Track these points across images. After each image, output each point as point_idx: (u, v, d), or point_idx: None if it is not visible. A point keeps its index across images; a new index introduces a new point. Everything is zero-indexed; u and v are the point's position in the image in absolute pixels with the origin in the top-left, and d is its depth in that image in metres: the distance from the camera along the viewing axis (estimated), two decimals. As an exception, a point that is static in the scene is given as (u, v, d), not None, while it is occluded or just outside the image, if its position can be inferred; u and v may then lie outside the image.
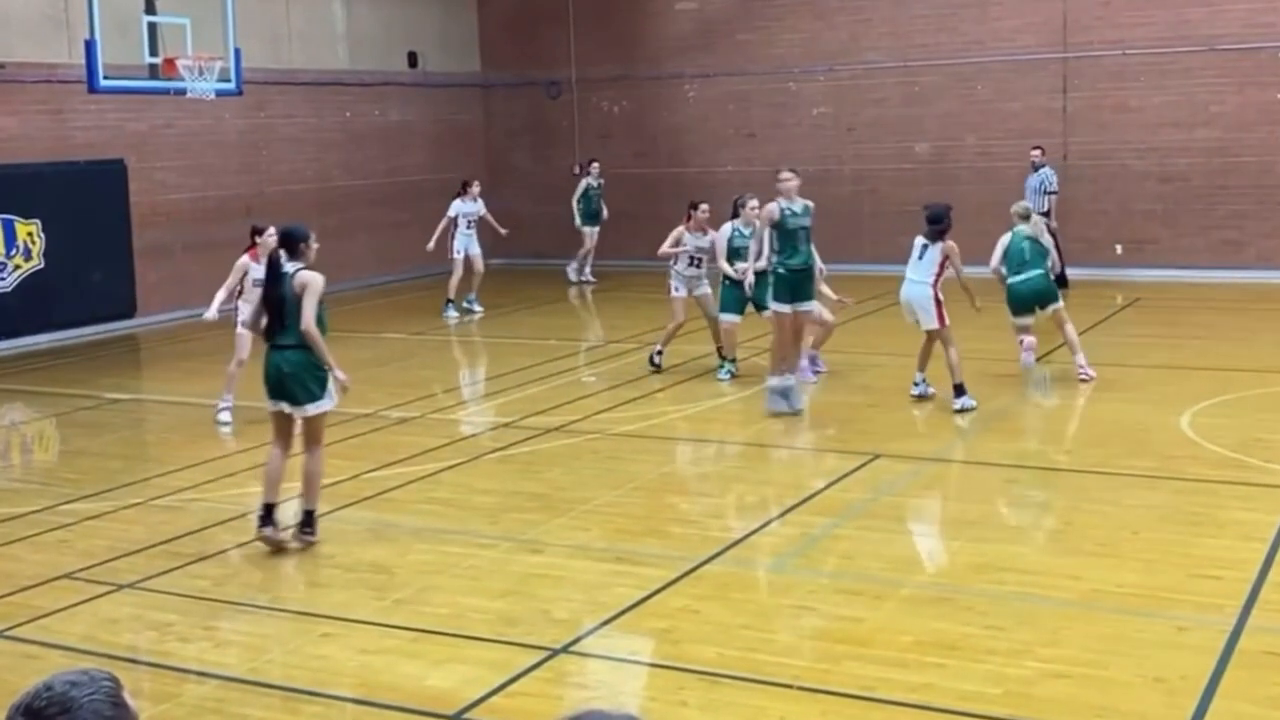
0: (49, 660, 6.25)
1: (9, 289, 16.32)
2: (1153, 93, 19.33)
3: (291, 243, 7.85)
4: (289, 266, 7.78)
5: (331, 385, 7.86)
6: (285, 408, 7.93)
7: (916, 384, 11.72)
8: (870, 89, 21.15)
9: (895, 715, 5.53)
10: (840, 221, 20.74)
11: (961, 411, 11.09)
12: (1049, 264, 12.49)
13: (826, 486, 9.09)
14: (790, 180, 11.21)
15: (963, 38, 20.41)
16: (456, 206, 17.88)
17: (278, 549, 7.95)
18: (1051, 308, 12.23)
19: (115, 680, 2.16)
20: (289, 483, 8.20)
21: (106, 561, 7.85)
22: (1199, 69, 18.98)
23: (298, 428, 8.05)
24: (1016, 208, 12.82)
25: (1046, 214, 18.41)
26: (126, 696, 2.16)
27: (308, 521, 7.98)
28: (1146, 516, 8.18)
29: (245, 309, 11.45)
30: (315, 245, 7.95)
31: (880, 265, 19.99)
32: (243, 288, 11.43)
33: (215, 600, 7.22)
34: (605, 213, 20.89)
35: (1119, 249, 19.68)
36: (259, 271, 11.25)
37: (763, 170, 20.90)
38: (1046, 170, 18.58)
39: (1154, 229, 19.50)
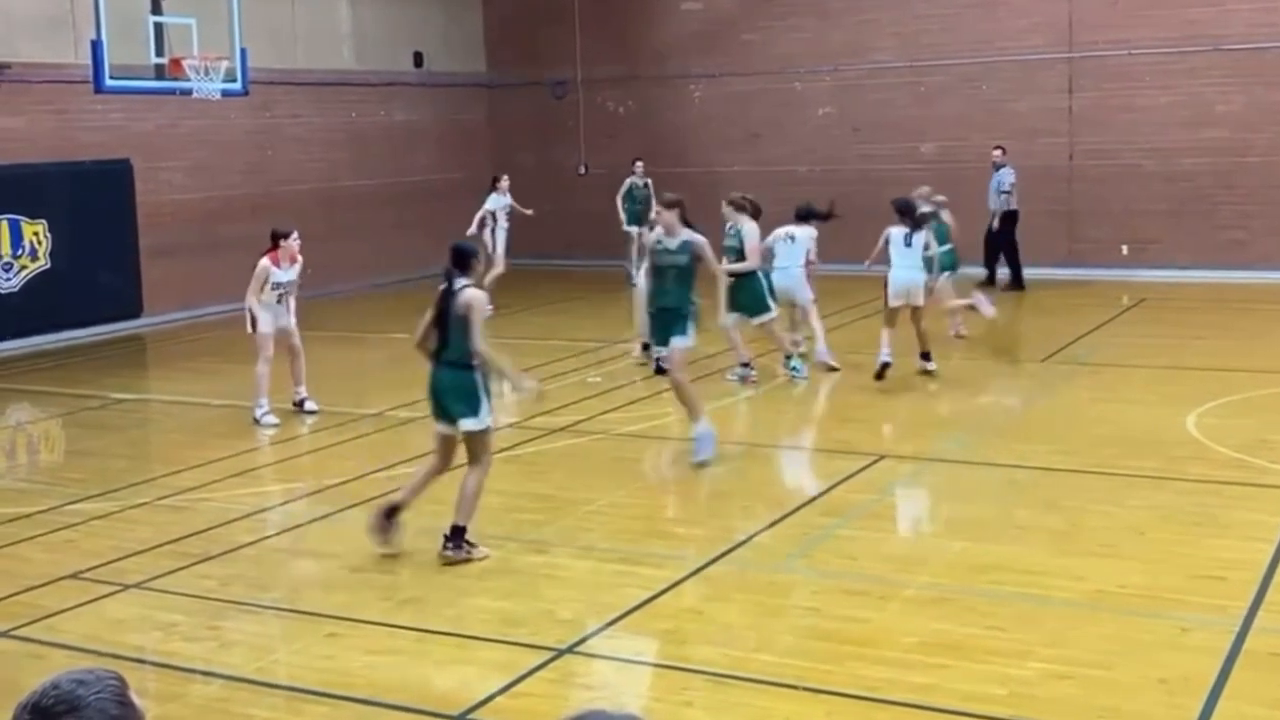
0: (55, 660, 6.26)
1: (15, 289, 16.35)
2: (1159, 93, 19.31)
3: (463, 259, 7.76)
4: (459, 283, 7.65)
5: (487, 407, 7.61)
6: (444, 428, 7.78)
7: (930, 360, 12.65)
8: (876, 89, 21.14)
9: (899, 716, 5.53)
10: (845, 221, 20.67)
11: (929, 373, 12.45)
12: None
13: (831, 487, 9.09)
14: (661, 214, 9.98)
15: (969, 38, 20.40)
16: (494, 200, 18.15)
17: (385, 548, 7.79)
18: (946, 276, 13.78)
19: (121, 679, 2.17)
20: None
21: (112, 561, 7.87)
22: (1205, 69, 18.96)
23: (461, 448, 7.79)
24: (922, 190, 14.00)
25: (997, 214, 18.65)
26: (132, 695, 2.17)
27: (453, 536, 7.64)
28: (1151, 517, 8.18)
29: (262, 313, 11.53)
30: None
31: (885, 265, 19.99)
32: (262, 289, 11.53)
33: (221, 600, 7.23)
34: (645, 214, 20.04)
35: (1125, 249, 19.67)
36: (280, 275, 11.52)
37: (769, 170, 20.93)
38: (1006, 170, 18.72)
39: (1160, 229, 19.48)
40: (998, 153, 18.90)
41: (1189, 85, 19.12)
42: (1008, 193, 18.71)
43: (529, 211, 18.73)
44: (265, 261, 11.52)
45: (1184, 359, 13.58)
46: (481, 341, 7.54)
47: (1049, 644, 6.18)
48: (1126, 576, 7.09)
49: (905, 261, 12.40)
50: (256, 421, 11.52)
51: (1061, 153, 19.96)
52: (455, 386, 7.61)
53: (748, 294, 12.22)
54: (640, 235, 20.21)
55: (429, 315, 7.74)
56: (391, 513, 7.79)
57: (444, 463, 7.89)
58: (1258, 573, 7.04)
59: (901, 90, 20.96)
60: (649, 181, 20.23)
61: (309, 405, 11.91)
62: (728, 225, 12.64)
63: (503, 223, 18.12)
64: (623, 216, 20.33)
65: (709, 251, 9.82)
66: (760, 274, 12.52)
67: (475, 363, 7.58)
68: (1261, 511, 8.25)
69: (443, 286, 7.72)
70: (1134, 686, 5.73)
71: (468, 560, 7.63)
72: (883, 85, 21.08)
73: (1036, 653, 6.07)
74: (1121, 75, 19.50)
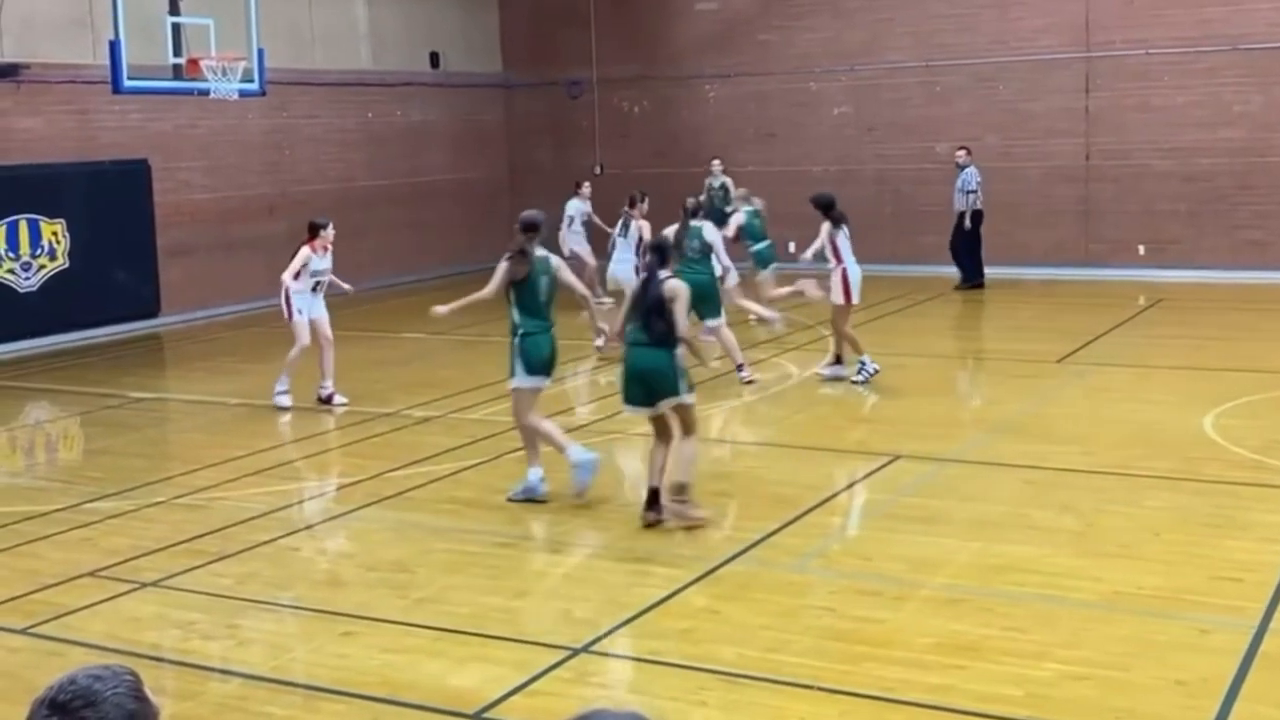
0: (72, 657, 6.27)
1: (34, 288, 16.43)
2: (1176, 92, 19.24)
3: (665, 252, 8.55)
4: (662, 274, 8.32)
5: (686, 383, 8.22)
6: (647, 411, 8.32)
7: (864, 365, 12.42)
8: (891, 89, 21.11)
9: (915, 716, 5.53)
10: (860, 222, 20.63)
11: (838, 380, 12.45)
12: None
13: (847, 487, 9.08)
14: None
15: (984, 37, 20.36)
16: (574, 206, 18.21)
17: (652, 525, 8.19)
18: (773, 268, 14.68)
19: (136, 675, 2.19)
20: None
21: (129, 560, 7.90)
22: (1223, 68, 18.89)
23: (675, 421, 8.34)
24: (739, 192, 14.47)
25: (963, 215, 18.57)
26: (147, 691, 2.18)
27: (679, 490, 8.14)
28: (1168, 518, 8.15)
29: (296, 299, 12.06)
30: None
31: (900, 265, 19.99)
32: (298, 274, 12.09)
33: (238, 599, 7.25)
34: (727, 216, 18.58)
35: (1142, 249, 19.61)
36: (318, 263, 12.17)
37: (783, 170, 20.92)
38: (970, 171, 18.68)
39: (1177, 229, 19.41)
40: (961, 153, 18.93)
41: (1206, 85, 19.05)
42: (973, 192, 18.70)
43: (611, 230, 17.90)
44: (306, 249, 12.09)
45: (1201, 360, 13.53)
46: (685, 328, 8.23)
47: (1066, 645, 6.16)
48: (1143, 577, 7.07)
49: (854, 258, 12.47)
50: (275, 398, 12.03)
51: (1078, 153, 19.91)
52: (659, 367, 8.17)
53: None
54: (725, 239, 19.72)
55: (628, 304, 8.45)
56: (653, 501, 8.20)
57: (667, 434, 8.36)
58: (1275, 574, 7.01)
59: (917, 90, 20.93)
60: (726, 182, 19.13)
61: (337, 399, 12.17)
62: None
63: (577, 227, 18.15)
64: None
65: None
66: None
67: (674, 345, 8.16)
68: (1278, 513, 8.21)
69: (643, 277, 8.42)
70: (1151, 688, 5.71)
71: (696, 519, 8.00)
72: (898, 85, 21.04)
73: (1053, 654, 6.06)
74: (1138, 75, 19.43)
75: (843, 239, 12.32)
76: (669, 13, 22.78)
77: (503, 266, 8.91)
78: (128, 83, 14.53)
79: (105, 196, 17.02)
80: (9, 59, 16.10)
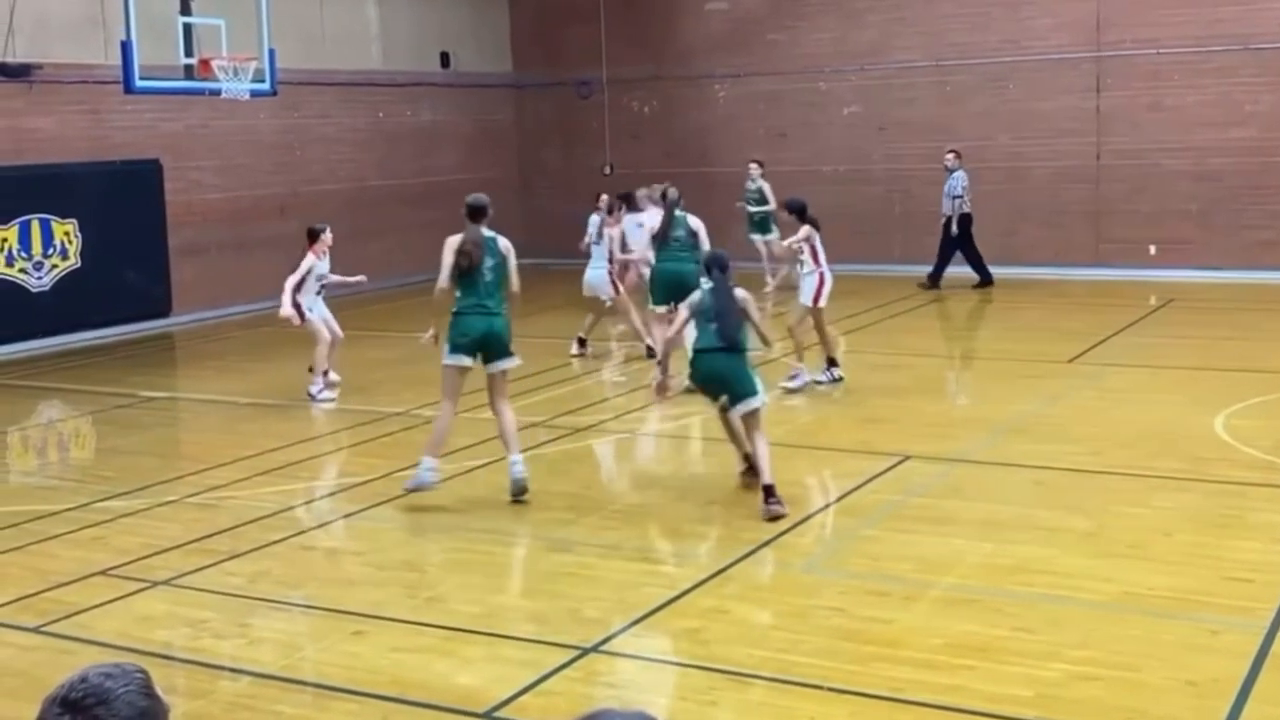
0: (84, 656, 6.29)
1: (46, 288, 16.48)
2: (1187, 92, 19.20)
3: (725, 262, 8.83)
4: (729, 282, 8.72)
5: (762, 384, 8.69)
6: (725, 401, 8.74)
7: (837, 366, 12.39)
8: (902, 88, 21.09)
9: (924, 717, 5.53)
10: (870, 222, 20.70)
11: (837, 381, 12.23)
12: None
13: (856, 487, 9.08)
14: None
15: (995, 37, 20.34)
16: (595, 222, 18.19)
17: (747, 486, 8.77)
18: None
19: (146, 673, 2.21)
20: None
21: (141, 559, 7.93)
22: (1234, 68, 18.84)
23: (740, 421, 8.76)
24: (643, 191, 14.38)
25: (949, 219, 18.48)
26: (158, 689, 2.20)
27: (769, 493, 8.35)
28: (1178, 519, 8.14)
29: (304, 299, 12.39)
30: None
31: (910, 266, 19.96)
32: (303, 281, 12.38)
33: (249, 598, 7.28)
34: (767, 219, 18.80)
35: (1153, 249, 19.57)
36: (322, 267, 12.53)
37: (794, 170, 20.89)
38: (958, 174, 18.60)
39: (1188, 229, 19.37)
40: (950, 156, 18.83)
41: (1217, 85, 19.00)
42: (960, 196, 18.63)
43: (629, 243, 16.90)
44: (311, 256, 12.40)
45: (1212, 360, 13.50)
46: (769, 336, 8.98)
47: (1075, 645, 6.16)
48: (1154, 578, 7.06)
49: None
50: (313, 398, 12.30)
51: (1089, 152, 19.87)
52: (735, 371, 8.57)
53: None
54: (760, 244, 19.04)
55: (689, 313, 8.75)
56: (749, 470, 8.78)
57: (737, 431, 8.88)
58: (1286, 575, 7.01)
59: (927, 90, 20.91)
60: (763, 186, 19.23)
61: (333, 376, 12.67)
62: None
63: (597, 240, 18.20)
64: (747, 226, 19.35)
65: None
66: (654, 267, 13.16)
67: (747, 347, 8.61)
68: (1290, 513, 8.20)
69: (712, 287, 8.64)
70: (1161, 688, 5.71)
71: (784, 514, 8.22)
72: (908, 85, 21.03)
73: (1063, 654, 6.06)
74: (1149, 74, 19.39)
75: (819, 243, 12.32)
76: (679, 12, 22.79)
77: (449, 250, 8.96)
78: (139, 83, 14.57)
79: (117, 196, 17.06)
80: (21, 59, 16.15)
